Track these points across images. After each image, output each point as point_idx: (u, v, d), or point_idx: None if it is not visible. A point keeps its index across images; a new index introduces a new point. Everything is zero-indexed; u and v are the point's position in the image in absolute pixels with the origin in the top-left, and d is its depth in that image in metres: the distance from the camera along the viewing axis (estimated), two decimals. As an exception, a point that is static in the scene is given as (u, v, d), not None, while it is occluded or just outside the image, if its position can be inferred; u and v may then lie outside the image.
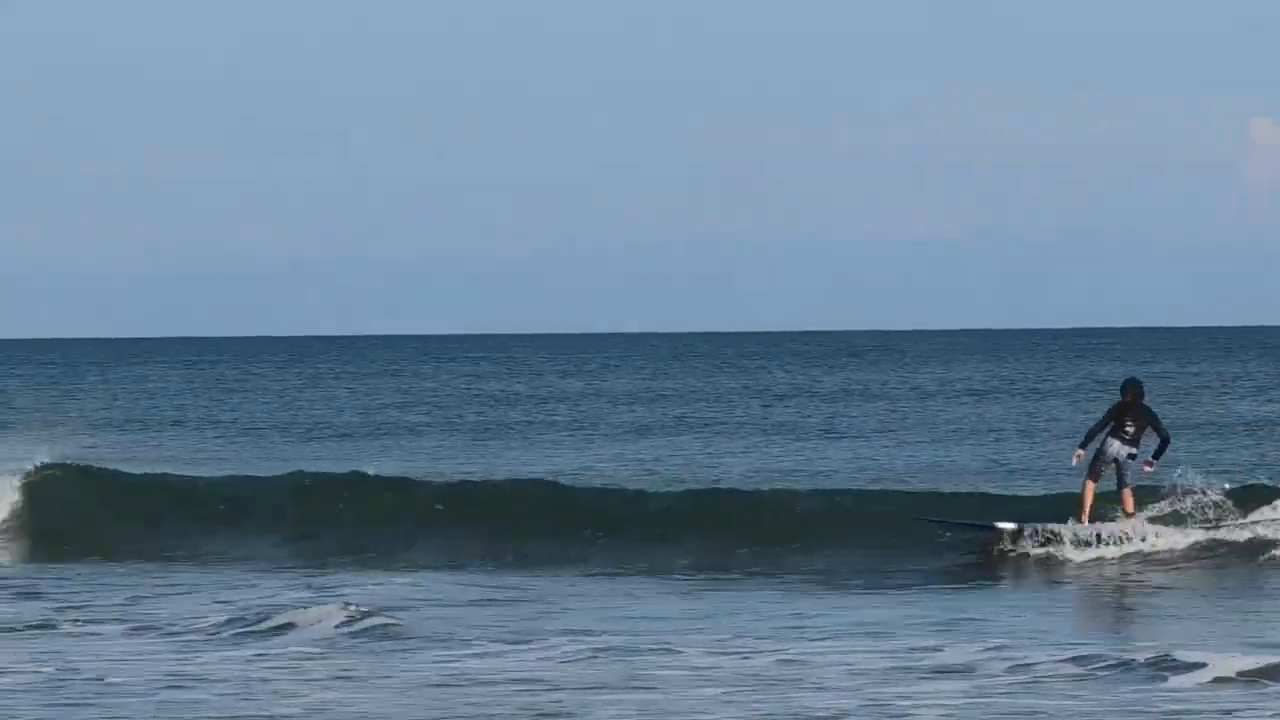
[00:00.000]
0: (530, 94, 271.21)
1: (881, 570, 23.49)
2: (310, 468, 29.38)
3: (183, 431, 48.56)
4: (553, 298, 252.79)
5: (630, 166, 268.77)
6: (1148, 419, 23.69)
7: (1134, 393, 23.80)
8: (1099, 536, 23.46)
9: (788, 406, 54.89)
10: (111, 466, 30.90)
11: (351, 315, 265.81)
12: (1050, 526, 23.67)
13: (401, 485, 28.45)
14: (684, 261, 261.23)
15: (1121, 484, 23.60)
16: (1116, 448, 23.42)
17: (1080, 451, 23.71)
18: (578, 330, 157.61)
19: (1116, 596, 22.53)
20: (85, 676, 15.93)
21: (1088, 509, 23.66)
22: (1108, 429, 23.56)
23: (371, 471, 28.99)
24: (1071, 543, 23.51)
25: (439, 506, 27.13)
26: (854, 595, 21.87)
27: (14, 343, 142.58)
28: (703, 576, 23.29)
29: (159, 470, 31.29)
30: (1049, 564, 23.45)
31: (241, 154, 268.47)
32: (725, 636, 17.83)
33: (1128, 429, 23.46)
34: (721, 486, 29.42)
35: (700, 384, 69.90)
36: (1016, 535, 23.72)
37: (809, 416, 50.39)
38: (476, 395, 63.70)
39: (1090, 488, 23.62)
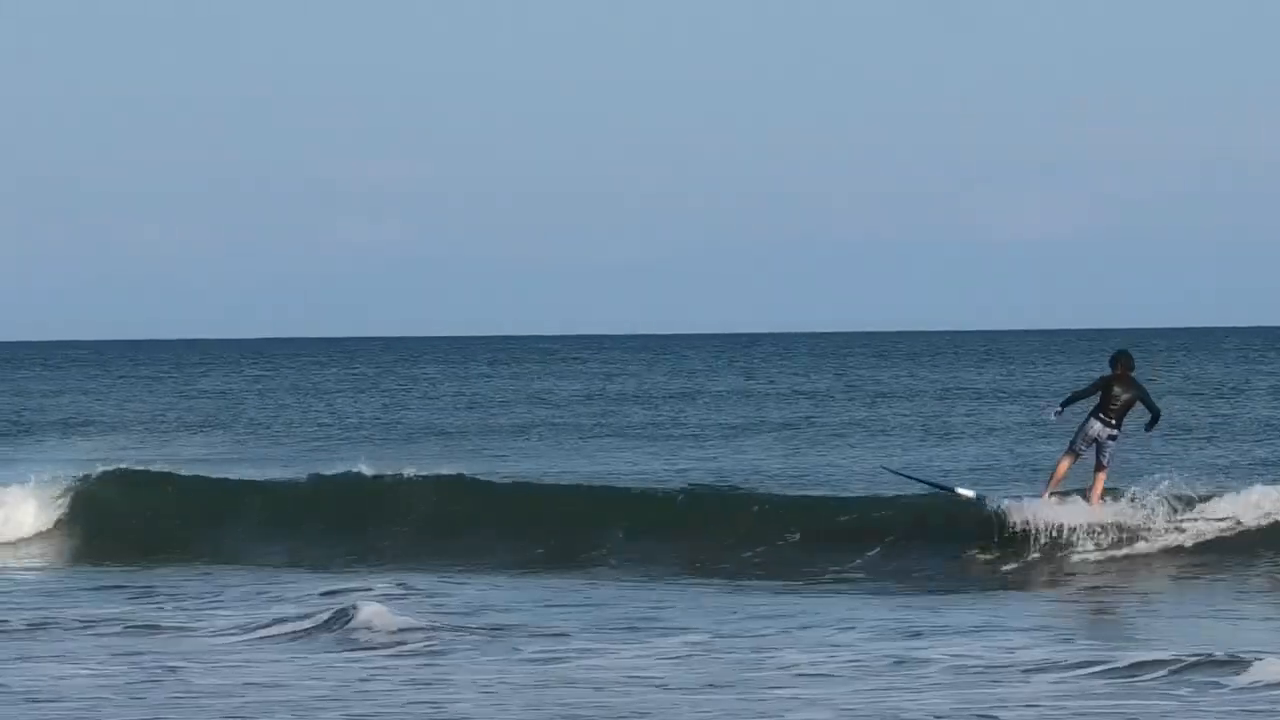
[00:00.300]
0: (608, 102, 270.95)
1: (976, 573, 23.33)
2: (410, 471, 29.34)
3: (289, 430, 48.91)
4: (656, 299, 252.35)
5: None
6: (1136, 392, 23.02)
7: (1124, 365, 23.06)
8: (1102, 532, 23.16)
9: (893, 407, 54.58)
10: (212, 468, 31.11)
11: (451, 316, 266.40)
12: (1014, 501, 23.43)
13: (496, 487, 28.39)
14: (780, 261, 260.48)
15: (1099, 465, 23.06)
16: (1098, 429, 22.83)
17: (1060, 409, 23.15)
18: (672, 331, 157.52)
19: (1180, 595, 22.21)
20: (175, 677, 16.08)
21: (1055, 482, 23.30)
22: (1095, 402, 22.95)
23: (469, 472, 28.96)
24: (1085, 533, 23.15)
25: (519, 503, 27.02)
26: (951, 596, 21.76)
27: (134, 343, 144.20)
28: (805, 577, 23.22)
29: (253, 474, 31.39)
30: (1116, 563, 23.10)
31: (345, 153, 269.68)
32: (829, 632, 17.97)
33: (1111, 408, 22.79)
34: (831, 494, 29.00)
35: (803, 383, 69.74)
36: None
37: (914, 416, 50.09)
38: (587, 396, 63.74)
39: (1066, 464, 23.17)
